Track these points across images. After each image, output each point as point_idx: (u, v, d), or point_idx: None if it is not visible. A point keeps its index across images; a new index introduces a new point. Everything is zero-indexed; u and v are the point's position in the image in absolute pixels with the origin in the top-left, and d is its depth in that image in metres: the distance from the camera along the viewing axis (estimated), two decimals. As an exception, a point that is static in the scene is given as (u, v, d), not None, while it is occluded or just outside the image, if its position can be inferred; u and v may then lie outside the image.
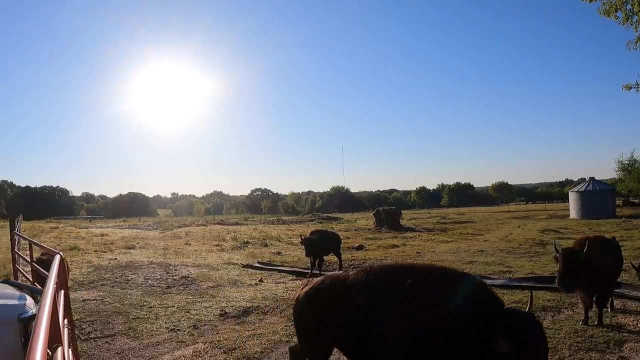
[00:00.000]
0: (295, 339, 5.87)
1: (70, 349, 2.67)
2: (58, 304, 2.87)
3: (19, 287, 3.92)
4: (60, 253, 3.36)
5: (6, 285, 3.90)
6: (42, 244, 6.69)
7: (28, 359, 1.16)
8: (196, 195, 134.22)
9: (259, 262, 12.90)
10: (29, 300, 2.99)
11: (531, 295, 3.57)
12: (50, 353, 1.93)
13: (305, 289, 3.61)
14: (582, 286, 5.71)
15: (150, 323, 6.70)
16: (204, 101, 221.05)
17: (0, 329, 2.65)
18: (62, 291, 2.88)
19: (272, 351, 5.42)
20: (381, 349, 3.13)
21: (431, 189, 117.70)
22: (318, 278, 3.77)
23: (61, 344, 2.06)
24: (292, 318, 3.70)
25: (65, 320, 2.76)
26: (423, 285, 3.06)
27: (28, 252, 7.29)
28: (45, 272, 6.46)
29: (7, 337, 2.56)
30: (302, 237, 10.86)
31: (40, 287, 4.20)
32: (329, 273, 3.80)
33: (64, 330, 2.63)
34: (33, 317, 2.75)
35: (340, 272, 3.47)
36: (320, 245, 10.67)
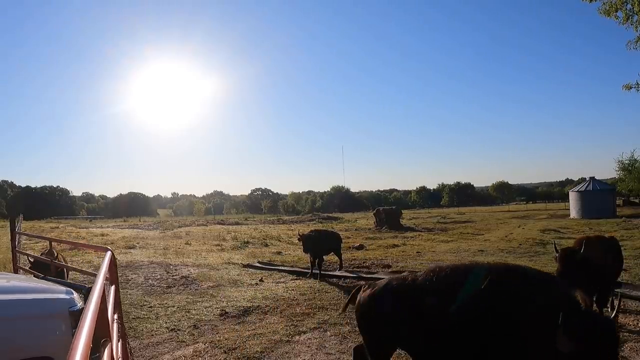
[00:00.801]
0: (296, 338, 5.89)
1: (119, 345, 2.67)
2: (107, 299, 3.04)
3: (63, 284, 3.99)
4: (110, 249, 3.55)
5: (48, 281, 3.98)
6: (84, 243, 6.69)
7: (71, 352, 1.14)
8: (196, 195, 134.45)
9: (259, 262, 12.91)
10: (76, 295, 3.13)
11: (619, 300, 3.47)
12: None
13: (373, 290, 3.61)
14: (581, 286, 5.70)
15: (150, 323, 6.70)
16: (204, 101, 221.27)
17: (55, 321, 2.81)
18: (113, 286, 3.03)
19: (273, 351, 5.42)
20: (454, 350, 3.12)
21: (431, 188, 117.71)
22: (384, 279, 3.75)
23: (110, 339, 2.02)
24: (357, 318, 3.71)
25: (116, 315, 2.86)
26: (500, 284, 3.03)
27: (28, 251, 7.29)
28: (40, 273, 6.48)
29: (60, 329, 2.76)
30: (301, 234, 10.89)
31: (79, 285, 4.31)
32: (395, 275, 3.80)
33: (113, 325, 2.71)
34: (81, 310, 2.86)
35: (406, 273, 3.47)
36: (320, 244, 10.68)
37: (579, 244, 5.95)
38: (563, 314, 2.70)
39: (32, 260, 7.99)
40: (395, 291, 3.46)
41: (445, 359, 3.22)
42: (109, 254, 3.18)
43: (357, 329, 6.18)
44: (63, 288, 3.24)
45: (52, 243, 8.40)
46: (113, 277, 3.43)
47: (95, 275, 3.22)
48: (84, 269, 7.98)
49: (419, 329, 3.26)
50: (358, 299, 3.70)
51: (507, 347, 2.89)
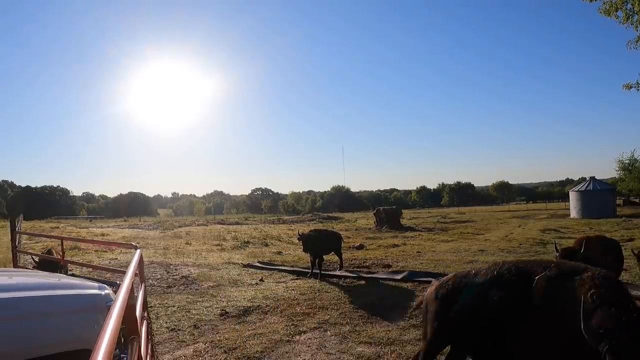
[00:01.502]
0: (296, 338, 5.89)
1: (147, 343, 2.67)
2: (136, 297, 3.20)
3: (96, 281, 4.16)
4: (138, 248, 3.68)
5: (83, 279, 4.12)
6: (117, 242, 6.69)
7: (96, 346, 1.12)
8: (197, 195, 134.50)
9: (259, 262, 12.91)
10: (110, 291, 3.29)
11: None
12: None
13: (440, 281, 3.76)
14: None
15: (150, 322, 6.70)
16: (204, 101, 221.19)
17: (96, 315, 2.99)
18: (142, 284, 3.22)
19: (273, 351, 5.42)
20: (520, 346, 3.15)
21: (431, 188, 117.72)
22: (449, 275, 3.83)
23: (137, 336, 1.99)
24: (423, 311, 3.79)
25: (145, 313, 3.03)
26: (565, 280, 3.07)
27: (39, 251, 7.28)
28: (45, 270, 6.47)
29: (99, 322, 2.88)
30: (301, 234, 10.87)
31: (111, 282, 4.45)
32: (459, 271, 3.89)
33: (142, 322, 2.74)
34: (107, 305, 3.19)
35: (469, 269, 3.57)
36: (321, 244, 10.68)
37: (579, 244, 5.97)
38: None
39: (37, 259, 7.99)
40: (460, 283, 3.57)
41: (504, 351, 3.27)
42: (138, 252, 3.28)
43: (357, 328, 6.20)
44: (96, 284, 3.42)
45: (63, 242, 8.31)
46: (141, 275, 3.57)
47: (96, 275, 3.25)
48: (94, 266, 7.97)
49: (480, 319, 3.33)
50: (428, 293, 3.83)
51: (575, 341, 2.85)
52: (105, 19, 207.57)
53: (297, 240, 11.00)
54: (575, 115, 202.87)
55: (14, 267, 8.74)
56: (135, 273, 3.13)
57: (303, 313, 7.09)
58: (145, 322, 2.88)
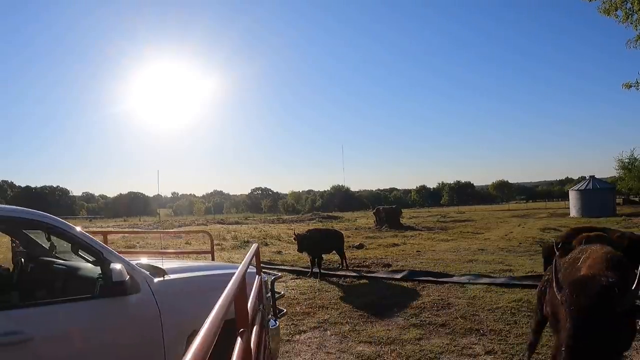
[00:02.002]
0: (296, 337, 5.89)
1: (259, 336, 2.70)
2: (250, 289, 3.43)
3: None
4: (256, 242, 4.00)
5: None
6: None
7: (197, 339, 1.09)
8: (196, 195, 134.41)
9: (259, 262, 12.89)
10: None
11: None
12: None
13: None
14: None
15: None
16: (203, 101, 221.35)
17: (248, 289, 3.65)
18: (258, 277, 3.33)
19: (273, 350, 5.42)
20: None
21: (431, 187, 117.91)
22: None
23: (247, 329, 1.91)
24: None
25: (261, 305, 3.16)
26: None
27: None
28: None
29: (259, 294, 3.40)
30: (296, 234, 10.82)
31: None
32: None
33: (256, 314, 2.82)
34: (265, 281, 3.78)
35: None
36: (319, 244, 10.65)
37: (578, 242, 5.99)
38: None
39: None
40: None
41: None
42: (255, 244, 3.46)
43: (357, 327, 6.21)
44: (234, 265, 4.08)
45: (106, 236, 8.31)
46: (259, 267, 3.69)
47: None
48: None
49: None
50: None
51: None
52: (105, 19, 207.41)
53: (294, 241, 10.97)
54: (575, 115, 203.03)
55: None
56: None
57: (303, 312, 7.09)
58: (260, 314, 2.95)
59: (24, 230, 3.96)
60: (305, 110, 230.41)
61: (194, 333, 2.90)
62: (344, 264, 11.43)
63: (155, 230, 24.38)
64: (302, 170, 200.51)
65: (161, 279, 3.25)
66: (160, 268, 3.37)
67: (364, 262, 12.46)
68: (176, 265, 3.73)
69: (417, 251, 14.72)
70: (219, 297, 2.96)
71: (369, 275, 10.16)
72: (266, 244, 18.42)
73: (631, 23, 9.11)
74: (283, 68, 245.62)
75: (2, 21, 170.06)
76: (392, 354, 5.12)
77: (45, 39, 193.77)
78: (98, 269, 3.15)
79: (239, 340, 1.74)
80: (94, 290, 2.94)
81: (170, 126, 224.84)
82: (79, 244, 3.11)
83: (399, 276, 9.63)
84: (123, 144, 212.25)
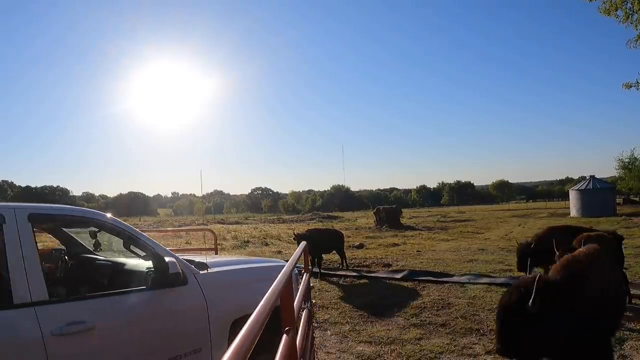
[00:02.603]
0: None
1: (304, 334, 2.69)
2: (296, 286, 3.89)
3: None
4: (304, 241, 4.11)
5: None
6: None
7: (238, 337, 1.11)
8: (196, 195, 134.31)
9: (259, 261, 12.88)
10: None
11: None
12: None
13: None
14: None
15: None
16: (203, 101, 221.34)
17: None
18: (306, 274, 3.46)
19: (273, 350, 5.42)
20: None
21: (431, 187, 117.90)
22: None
23: (293, 328, 1.87)
24: None
25: (308, 303, 3.26)
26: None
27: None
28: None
29: (293, 285, 3.90)
30: (296, 234, 10.82)
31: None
32: None
33: (303, 313, 2.87)
34: (297, 274, 4.38)
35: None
36: (319, 243, 10.63)
37: (578, 243, 6.00)
38: None
39: None
40: None
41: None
42: (303, 243, 3.59)
43: (357, 327, 6.20)
44: (275, 259, 4.66)
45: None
46: (306, 265, 3.82)
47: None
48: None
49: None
50: None
51: None
52: (104, 20, 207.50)
53: (294, 240, 10.96)
54: (575, 115, 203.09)
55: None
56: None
57: (303, 312, 7.09)
58: (306, 311, 3.04)
59: (63, 229, 4.17)
60: (305, 110, 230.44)
61: (236, 322, 3.44)
62: (344, 264, 11.42)
63: (157, 229, 24.38)
64: (302, 170, 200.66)
65: (205, 271, 3.49)
66: (203, 262, 3.62)
67: (364, 261, 12.46)
68: (216, 260, 4.00)
69: (417, 251, 14.72)
70: (259, 288, 3.20)
71: (369, 275, 10.16)
72: (266, 244, 18.43)
73: (631, 23, 9.09)
74: (283, 68, 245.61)
75: (2, 22, 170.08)
76: (392, 354, 5.12)
77: (45, 39, 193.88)
78: (142, 264, 3.44)
79: (284, 338, 1.71)
80: (145, 282, 3.19)
81: (171, 126, 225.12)
82: (130, 240, 3.30)
83: (399, 276, 9.62)
84: (123, 144, 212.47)
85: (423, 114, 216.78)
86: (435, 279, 9.10)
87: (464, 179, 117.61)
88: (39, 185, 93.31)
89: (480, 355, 4.94)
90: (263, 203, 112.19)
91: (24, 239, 2.63)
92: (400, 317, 6.55)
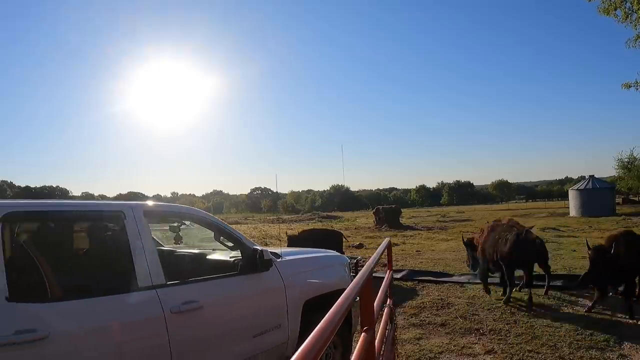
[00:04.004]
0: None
1: (383, 334, 2.66)
2: (349, 274, 4.66)
3: None
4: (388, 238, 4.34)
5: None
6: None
7: (313, 334, 1.11)
8: (196, 195, 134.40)
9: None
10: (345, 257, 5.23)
11: None
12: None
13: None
14: (610, 280, 6.14)
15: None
16: (203, 101, 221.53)
17: (346, 268, 4.83)
18: (389, 272, 3.63)
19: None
20: None
21: (431, 187, 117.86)
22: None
23: (371, 327, 1.84)
24: None
25: (389, 301, 3.42)
26: None
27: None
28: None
29: (347, 273, 4.78)
30: (289, 236, 10.85)
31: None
32: None
33: (383, 311, 3.01)
34: (349, 262, 5.10)
35: None
36: (315, 244, 10.62)
37: (608, 242, 6.10)
38: None
39: None
40: None
41: None
42: (387, 239, 3.73)
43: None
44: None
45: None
46: (390, 263, 4.01)
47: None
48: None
49: None
50: None
51: None
52: (104, 20, 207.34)
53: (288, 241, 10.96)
54: (575, 114, 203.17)
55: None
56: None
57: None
58: (388, 310, 3.17)
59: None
60: (304, 110, 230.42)
61: (307, 302, 3.99)
62: None
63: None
64: (302, 170, 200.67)
65: (280, 259, 3.96)
66: (276, 252, 4.07)
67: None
68: (285, 250, 4.46)
69: (417, 251, 14.72)
70: (323, 274, 4.34)
71: (368, 275, 10.14)
72: (266, 244, 18.42)
73: (630, 22, 9.11)
74: (283, 68, 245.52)
75: (2, 23, 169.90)
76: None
77: (44, 39, 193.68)
78: (224, 254, 4.09)
79: (362, 337, 1.68)
80: (234, 269, 3.65)
81: (170, 125, 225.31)
82: (221, 232, 3.77)
83: (398, 276, 9.61)
84: (122, 144, 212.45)
85: (423, 114, 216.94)
86: (435, 278, 9.10)
87: (463, 178, 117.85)
88: (38, 186, 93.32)
89: (480, 355, 4.93)
90: (263, 203, 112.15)
91: (142, 231, 3.03)
92: (399, 317, 6.55)
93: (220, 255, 4.19)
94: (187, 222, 4.45)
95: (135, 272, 2.89)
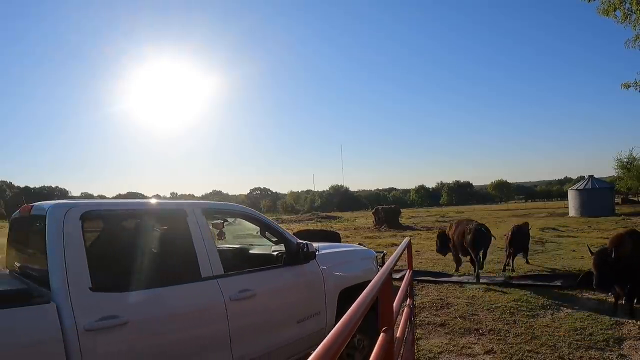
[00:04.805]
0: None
1: (403, 335, 2.66)
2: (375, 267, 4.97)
3: None
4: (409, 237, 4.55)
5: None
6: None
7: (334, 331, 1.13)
8: (195, 195, 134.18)
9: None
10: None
11: None
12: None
13: None
14: (615, 282, 6.14)
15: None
16: (203, 100, 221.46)
17: (373, 261, 5.17)
18: (409, 271, 3.73)
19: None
20: None
21: (430, 187, 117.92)
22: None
23: (389, 327, 1.81)
24: None
25: (411, 301, 3.51)
26: None
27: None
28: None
29: (375, 265, 5.08)
30: None
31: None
32: None
33: (403, 311, 3.05)
34: (376, 256, 5.40)
35: None
36: None
37: (612, 244, 6.12)
38: None
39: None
40: None
41: None
42: (407, 239, 3.91)
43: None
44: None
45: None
46: (410, 262, 4.11)
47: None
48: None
49: None
50: None
51: None
52: (103, 20, 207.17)
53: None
54: (574, 114, 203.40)
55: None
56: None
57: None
58: (407, 310, 3.22)
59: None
60: (304, 110, 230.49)
61: (342, 292, 4.32)
62: None
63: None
64: (301, 171, 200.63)
65: (318, 253, 4.20)
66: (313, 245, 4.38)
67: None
68: (319, 244, 4.64)
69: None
70: (356, 266, 4.82)
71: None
72: (265, 244, 18.40)
73: (630, 23, 9.12)
74: (283, 69, 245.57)
75: (2, 23, 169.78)
76: (392, 354, 5.12)
77: (44, 40, 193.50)
78: (266, 248, 4.55)
79: (381, 336, 1.67)
80: (279, 261, 4.01)
81: (169, 126, 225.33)
82: (268, 228, 4.12)
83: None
84: (122, 143, 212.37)
85: (422, 114, 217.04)
86: (434, 278, 9.10)
87: (463, 178, 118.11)
88: (37, 186, 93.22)
89: (479, 355, 4.94)
90: (262, 203, 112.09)
91: (202, 227, 3.35)
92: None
93: (264, 249, 4.64)
94: (230, 219, 4.81)
95: (199, 263, 3.21)
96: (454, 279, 9.07)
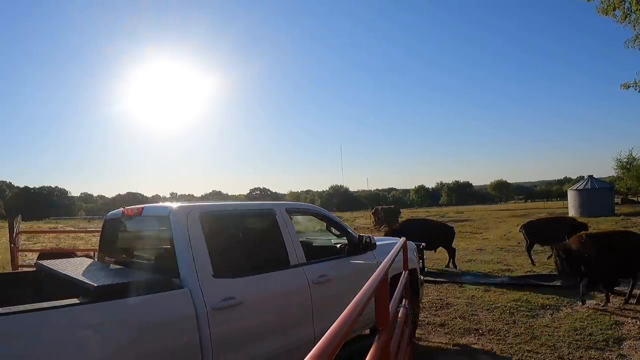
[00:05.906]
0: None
1: (400, 336, 2.67)
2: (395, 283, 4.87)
3: None
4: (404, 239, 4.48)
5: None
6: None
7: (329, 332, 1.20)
8: (195, 195, 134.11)
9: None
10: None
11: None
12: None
13: None
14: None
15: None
16: (202, 101, 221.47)
17: (414, 252, 5.82)
18: (405, 272, 3.89)
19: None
20: None
21: (430, 187, 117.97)
22: None
23: (386, 327, 1.82)
24: None
25: (407, 302, 3.69)
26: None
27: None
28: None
29: (415, 255, 5.62)
30: None
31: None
32: None
33: (399, 311, 3.11)
34: (416, 248, 6.12)
35: None
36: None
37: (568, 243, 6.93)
38: None
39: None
40: None
41: None
42: (402, 239, 4.02)
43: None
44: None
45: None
46: (406, 263, 4.18)
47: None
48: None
49: None
50: None
51: None
52: (103, 20, 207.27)
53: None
54: (574, 115, 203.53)
55: (13, 267, 8.71)
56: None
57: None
58: (403, 310, 3.33)
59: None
60: (304, 111, 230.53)
61: (392, 278, 4.33)
62: None
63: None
64: (301, 171, 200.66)
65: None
66: None
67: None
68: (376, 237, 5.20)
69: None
70: (401, 257, 4.31)
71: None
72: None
73: (629, 23, 9.11)
74: (282, 70, 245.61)
75: (2, 22, 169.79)
76: (391, 354, 5.12)
77: (43, 40, 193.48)
78: (324, 241, 5.40)
79: (377, 337, 1.68)
80: (341, 252, 4.65)
81: (169, 126, 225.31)
82: (334, 224, 4.81)
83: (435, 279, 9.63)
84: (122, 144, 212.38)
85: (422, 114, 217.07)
86: (434, 279, 9.11)
87: (462, 179, 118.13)
88: (37, 186, 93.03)
89: (479, 355, 4.94)
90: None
91: (287, 223, 4.01)
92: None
93: (324, 242, 5.41)
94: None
95: (288, 253, 3.84)
96: (453, 279, 9.07)
